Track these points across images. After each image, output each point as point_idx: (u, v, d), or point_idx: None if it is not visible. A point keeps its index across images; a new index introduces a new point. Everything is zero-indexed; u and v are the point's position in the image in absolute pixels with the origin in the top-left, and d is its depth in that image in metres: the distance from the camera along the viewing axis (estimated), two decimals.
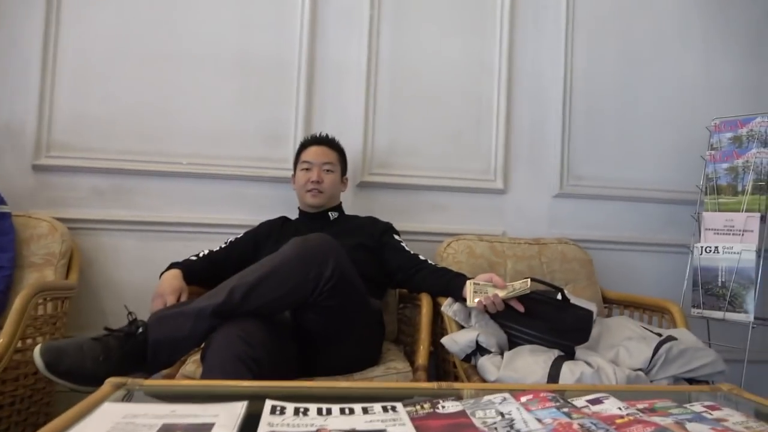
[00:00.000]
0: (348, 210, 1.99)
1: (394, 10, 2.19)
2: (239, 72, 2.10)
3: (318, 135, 1.92)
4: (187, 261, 1.68)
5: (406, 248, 1.80)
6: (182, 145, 2.05)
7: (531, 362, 1.37)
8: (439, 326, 1.66)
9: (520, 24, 2.27)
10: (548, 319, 1.50)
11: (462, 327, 1.56)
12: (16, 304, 1.47)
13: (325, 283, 1.28)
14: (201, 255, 1.74)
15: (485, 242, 2.01)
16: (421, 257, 1.76)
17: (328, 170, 1.85)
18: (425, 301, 1.62)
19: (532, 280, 1.49)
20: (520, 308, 1.48)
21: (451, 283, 1.60)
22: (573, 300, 1.58)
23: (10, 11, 1.98)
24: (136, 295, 1.97)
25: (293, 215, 1.94)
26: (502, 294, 1.48)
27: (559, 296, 1.57)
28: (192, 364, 1.42)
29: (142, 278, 2.00)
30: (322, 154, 1.87)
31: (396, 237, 1.84)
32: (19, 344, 1.47)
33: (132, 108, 2.03)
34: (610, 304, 2.05)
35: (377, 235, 1.82)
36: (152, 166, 2.03)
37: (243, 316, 1.24)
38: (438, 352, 1.70)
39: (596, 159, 2.31)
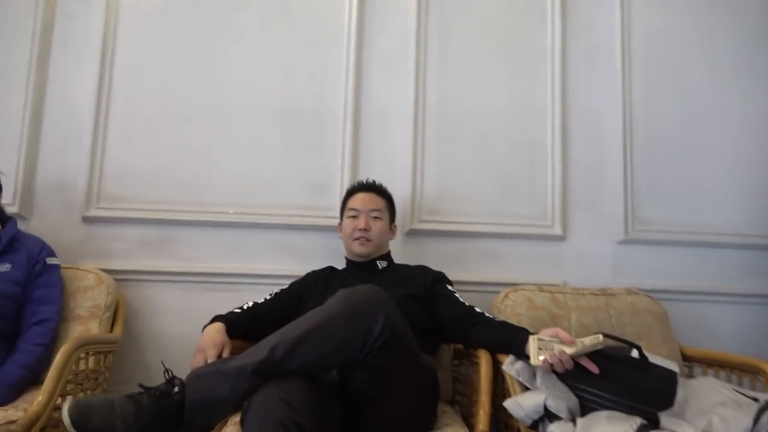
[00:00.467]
0: (397, 259, 1.89)
1: (439, 53, 2.15)
2: (283, 121, 2.08)
3: (365, 181, 1.86)
4: (231, 314, 1.62)
5: (461, 299, 1.68)
6: (227, 194, 2.03)
7: None
8: (500, 386, 1.51)
9: (572, 62, 2.18)
10: (625, 381, 1.33)
11: (526, 388, 1.40)
12: (57, 359, 1.41)
13: (375, 339, 1.17)
14: (245, 307, 1.67)
15: (546, 293, 1.86)
16: (477, 309, 1.63)
17: (375, 217, 1.78)
18: (484, 359, 1.48)
19: (604, 335, 1.34)
20: (594, 369, 1.32)
21: (512, 339, 1.46)
22: (651, 358, 1.41)
23: (62, 68, 2.05)
24: (179, 349, 1.91)
25: (340, 265, 1.85)
26: (570, 351, 1.33)
27: (635, 353, 1.40)
28: (232, 426, 1.31)
29: (185, 331, 1.92)
30: (369, 201, 1.80)
31: (449, 287, 1.72)
32: (59, 401, 1.41)
33: (178, 161, 2.04)
34: (691, 362, 1.83)
35: (428, 284, 1.71)
36: (197, 216, 2.00)
37: (285, 376, 1.15)
38: (500, 415, 1.53)
39: (662, 201, 2.14)
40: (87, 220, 1.98)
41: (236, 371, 1.15)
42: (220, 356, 1.41)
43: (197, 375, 1.20)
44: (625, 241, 2.10)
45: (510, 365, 1.42)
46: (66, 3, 2.07)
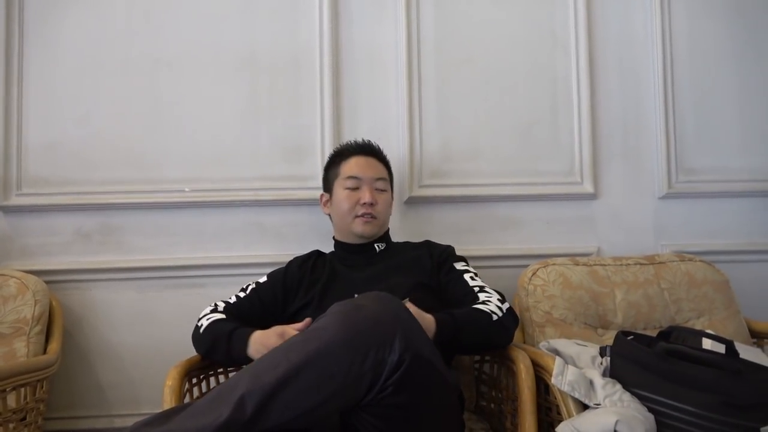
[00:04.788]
0: (395, 235, 1.53)
1: None
2: (246, 72, 1.67)
3: (362, 141, 1.46)
4: (222, 318, 1.23)
5: (468, 279, 1.30)
6: (182, 168, 1.63)
7: None
8: (543, 398, 1.17)
9: None
10: (718, 389, 0.99)
11: (583, 405, 1.06)
12: None
13: (390, 373, 0.82)
14: (219, 308, 1.28)
15: (583, 266, 1.51)
16: (482, 292, 1.25)
17: (380, 189, 1.40)
18: (522, 365, 1.13)
19: (687, 331, 0.99)
20: None
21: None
22: (743, 353, 1.07)
23: None
24: (137, 360, 1.60)
25: (327, 247, 1.48)
26: None
27: (722, 350, 1.07)
28: None
29: (142, 339, 1.60)
30: (371, 168, 1.41)
31: (458, 265, 1.36)
32: None
33: (116, 128, 1.62)
34: (760, 338, 1.51)
35: (434, 267, 1.35)
36: (147, 197, 1.61)
37: None
38: None
39: (711, 146, 1.78)
40: (6, 210, 1.58)
41: None
42: None
43: None
44: (668, 196, 1.75)
45: (560, 377, 1.07)
46: None
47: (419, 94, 1.70)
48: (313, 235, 1.63)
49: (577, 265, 1.52)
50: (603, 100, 1.75)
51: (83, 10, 1.63)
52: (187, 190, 1.62)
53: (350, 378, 0.81)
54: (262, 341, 1.09)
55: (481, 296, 1.24)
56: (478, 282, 1.30)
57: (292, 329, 1.06)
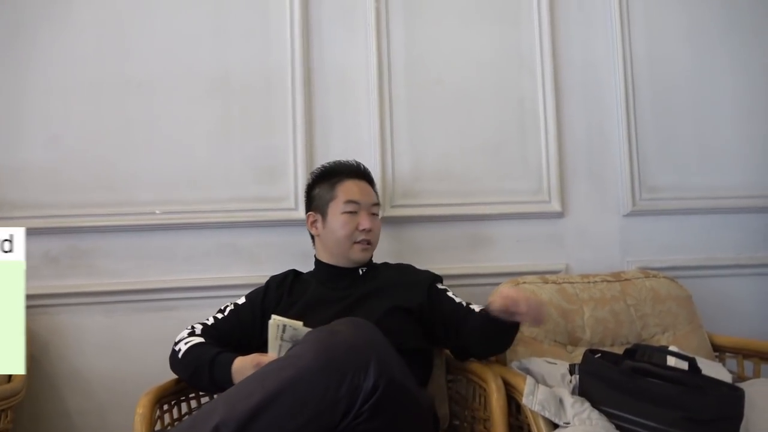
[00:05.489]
0: None
1: (403, 0, 1.76)
2: (218, 93, 1.67)
3: (354, 163, 1.46)
4: (201, 342, 1.22)
5: (450, 295, 1.37)
6: (152, 190, 1.62)
7: None
8: (514, 417, 1.19)
9: (562, 4, 1.83)
10: (682, 405, 1.03)
11: (554, 425, 1.08)
12: None
13: (366, 399, 0.84)
14: (197, 332, 1.27)
15: (552, 284, 1.55)
16: (470, 306, 1.33)
17: (374, 214, 1.41)
18: (494, 385, 1.15)
19: (652, 348, 1.03)
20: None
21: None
22: (705, 370, 1.11)
23: None
24: (106, 385, 1.57)
25: (303, 266, 1.48)
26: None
27: (685, 366, 1.11)
28: None
29: (112, 365, 1.58)
30: (368, 193, 1.41)
31: (439, 285, 1.41)
32: None
33: (86, 150, 1.60)
34: (722, 352, 1.57)
35: (422, 294, 1.35)
36: (117, 220, 1.59)
37: None
38: None
39: (672, 165, 1.84)
40: None
41: None
42: None
43: None
44: (632, 213, 1.80)
45: (531, 397, 1.09)
46: None
47: (390, 114, 1.73)
48: (287, 255, 1.63)
49: (547, 283, 1.55)
50: (568, 121, 1.80)
51: (53, 30, 1.61)
52: (158, 212, 1.61)
53: (325, 404, 0.82)
54: (242, 372, 1.06)
55: (472, 307, 1.30)
56: (460, 299, 1.36)
57: (268, 359, 1.05)
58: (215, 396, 0.92)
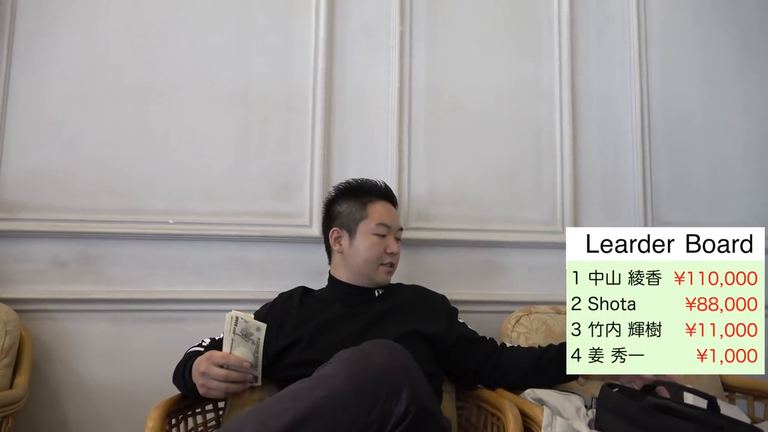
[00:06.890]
0: None
1: (427, 25, 1.78)
2: (238, 107, 1.67)
3: (384, 186, 1.46)
4: (197, 351, 1.23)
5: (474, 331, 1.39)
6: (167, 200, 1.60)
7: None
8: None
9: (582, 39, 1.86)
10: None
11: None
12: None
13: (395, 425, 0.83)
14: (205, 343, 1.28)
15: (564, 315, 1.53)
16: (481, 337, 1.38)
17: (398, 239, 1.43)
18: (511, 415, 1.13)
19: (676, 386, 1.02)
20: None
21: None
22: (723, 410, 1.10)
23: None
24: (108, 396, 1.54)
25: (313, 284, 1.47)
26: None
27: (703, 405, 1.09)
28: None
29: (115, 375, 1.54)
30: (396, 217, 1.43)
31: (460, 320, 1.42)
32: None
33: (102, 156, 1.59)
34: (731, 392, 1.55)
35: (439, 322, 1.35)
36: (129, 227, 1.57)
37: None
38: None
39: (685, 201, 1.86)
40: None
41: None
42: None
43: None
44: None
45: (549, 429, 1.07)
46: None
47: (409, 137, 1.73)
48: (298, 272, 1.61)
49: (559, 314, 1.55)
50: (584, 153, 1.82)
51: (74, 36, 1.62)
52: (171, 222, 1.60)
53: (356, 428, 0.81)
54: (197, 367, 1.10)
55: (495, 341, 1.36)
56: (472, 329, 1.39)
57: (218, 355, 1.08)
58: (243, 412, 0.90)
